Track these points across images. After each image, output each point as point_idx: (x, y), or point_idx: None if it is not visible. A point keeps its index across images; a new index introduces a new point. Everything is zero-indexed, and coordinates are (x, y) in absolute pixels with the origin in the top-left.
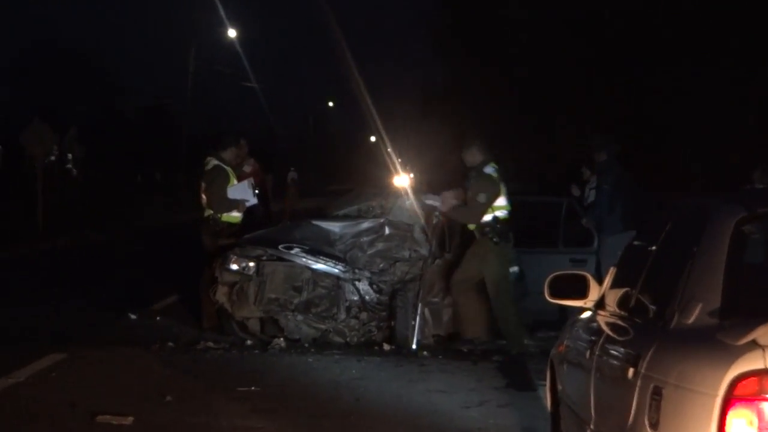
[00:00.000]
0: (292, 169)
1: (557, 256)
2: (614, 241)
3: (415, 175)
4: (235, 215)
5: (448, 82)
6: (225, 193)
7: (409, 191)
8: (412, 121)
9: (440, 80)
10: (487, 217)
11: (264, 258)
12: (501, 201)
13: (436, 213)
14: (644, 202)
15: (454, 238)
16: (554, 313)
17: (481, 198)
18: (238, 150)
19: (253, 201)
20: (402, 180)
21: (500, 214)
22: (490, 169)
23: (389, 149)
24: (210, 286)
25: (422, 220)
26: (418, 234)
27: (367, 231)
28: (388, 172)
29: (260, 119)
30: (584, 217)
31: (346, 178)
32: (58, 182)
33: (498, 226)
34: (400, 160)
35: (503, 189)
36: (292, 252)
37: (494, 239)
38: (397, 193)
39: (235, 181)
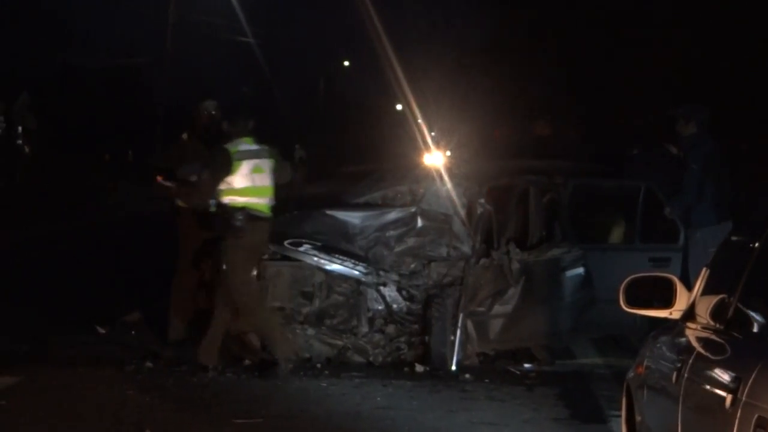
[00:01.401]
0: (297, 145)
1: (633, 255)
2: (706, 236)
3: (451, 152)
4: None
5: (492, 34)
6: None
7: (445, 173)
8: (447, 85)
9: (483, 34)
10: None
11: (265, 257)
12: (237, 182)
13: (481, 201)
14: (743, 189)
15: (506, 231)
16: (631, 326)
17: (204, 174)
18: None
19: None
20: (436, 159)
21: (230, 199)
22: (234, 144)
23: (419, 120)
24: (183, 288)
25: (463, 210)
26: (458, 227)
27: (395, 223)
28: (418, 149)
29: (258, 84)
30: (667, 205)
31: (367, 157)
32: (7, 163)
33: (224, 215)
34: (433, 133)
35: (247, 167)
36: (301, 249)
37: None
38: (430, 176)
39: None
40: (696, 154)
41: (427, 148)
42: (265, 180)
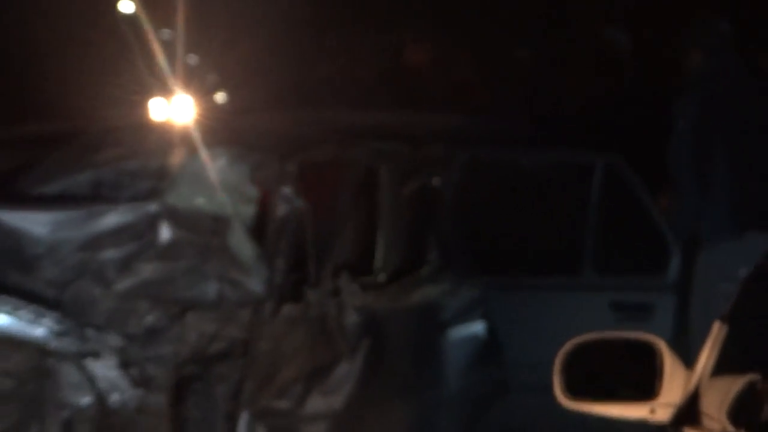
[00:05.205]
0: None
1: (582, 296)
2: (717, 259)
3: (225, 96)
4: None
5: None
6: None
7: (213, 137)
8: None
9: None
10: None
11: None
12: None
13: (287, 190)
14: None
15: (333, 250)
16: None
17: None
18: None
19: None
20: (193, 110)
21: None
22: None
23: (165, 37)
24: None
25: (250, 208)
26: (239, 242)
27: (116, 234)
28: (159, 92)
29: None
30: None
31: (63, 106)
32: None
33: None
34: (189, 62)
35: None
36: None
37: None
38: (183, 143)
39: None
40: (688, 115)
41: (178, 88)
42: None
